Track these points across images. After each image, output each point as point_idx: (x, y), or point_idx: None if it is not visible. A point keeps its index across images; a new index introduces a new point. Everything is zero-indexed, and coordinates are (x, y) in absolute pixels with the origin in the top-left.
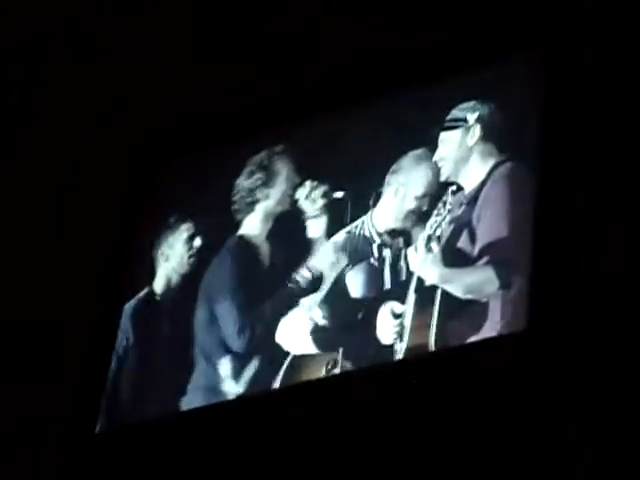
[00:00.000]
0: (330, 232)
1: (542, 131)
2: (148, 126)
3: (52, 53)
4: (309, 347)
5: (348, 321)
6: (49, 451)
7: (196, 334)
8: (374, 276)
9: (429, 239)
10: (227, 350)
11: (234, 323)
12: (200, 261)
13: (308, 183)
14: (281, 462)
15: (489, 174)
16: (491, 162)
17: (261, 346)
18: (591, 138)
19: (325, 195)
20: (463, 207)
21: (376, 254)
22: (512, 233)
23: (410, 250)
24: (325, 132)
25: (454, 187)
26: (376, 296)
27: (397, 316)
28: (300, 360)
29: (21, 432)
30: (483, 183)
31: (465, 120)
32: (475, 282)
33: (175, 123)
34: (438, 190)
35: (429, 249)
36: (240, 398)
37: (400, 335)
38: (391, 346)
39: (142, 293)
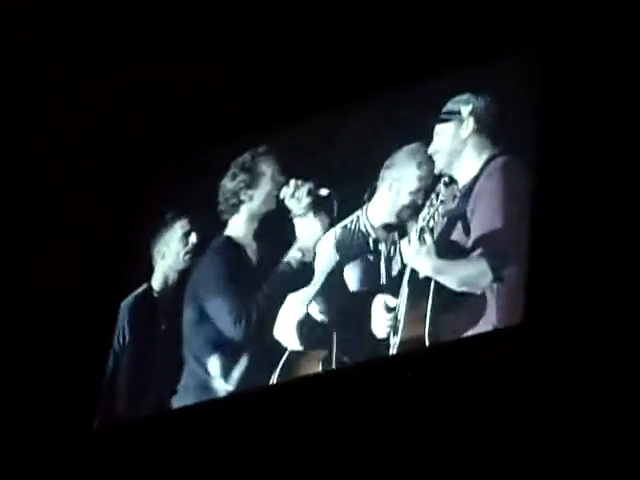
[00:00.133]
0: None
1: (538, 126)
2: (148, 125)
3: (52, 53)
4: (305, 342)
5: (344, 316)
6: (46, 447)
7: (185, 334)
8: (370, 271)
9: (422, 231)
10: (216, 348)
11: (229, 314)
12: (196, 258)
13: (292, 182)
14: (276, 458)
15: (483, 167)
16: (485, 155)
17: (257, 336)
18: (586, 133)
19: (310, 193)
20: (457, 200)
21: (371, 249)
22: (506, 226)
23: (403, 242)
24: (314, 130)
25: (446, 179)
26: (371, 290)
27: (390, 310)
28: (297, 355)
29: (19, 428)
30: (477, 176)
31: (459, 113)
32: (469, 274)
33: (175, 123)
34: (432, 184)
35: (422, 240)
36: (236, 395)
37: (394, 329)
38: (386, 340)
39: (140, 290)
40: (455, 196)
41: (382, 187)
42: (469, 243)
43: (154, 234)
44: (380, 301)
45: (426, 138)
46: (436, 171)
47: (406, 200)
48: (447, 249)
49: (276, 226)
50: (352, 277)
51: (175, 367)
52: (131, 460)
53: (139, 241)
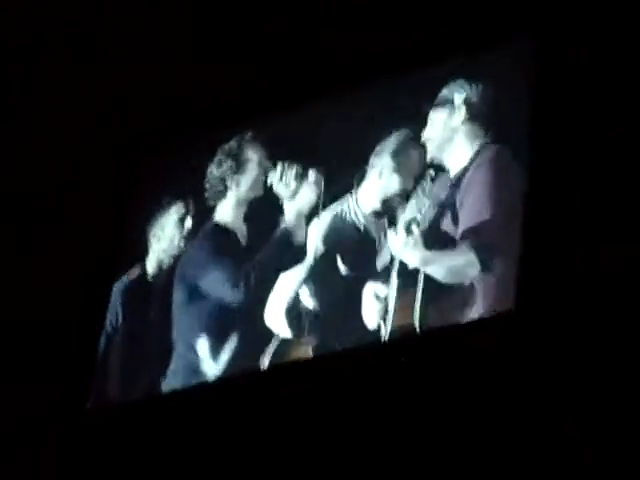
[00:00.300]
0: (308, 212)
1: (532, 114)
2: (147, 125)
3: (52, 53)
4: (296, 330)
5: (334, 303)
6: (41, 427)
7: (174, 317)
8: (359, 258)
9: (409, 223)
10: (205, 329)
11: (227, 281)
12: (188, 243)
13: (279, 166)
14: (266, 442)
15: (474, 157)
16: (477, 144)
17: (256, 298)
18: (580, 123)
19: (298, 176)
20: (448, 189)
21: (361, 236)
22: (495, 217)
23: (391, 234)
24: (302, 117)
25: (432, 172)
26: (361, 277)
27: (380, 299)
28: (287, 343)
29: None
30: (468, 166)
31: (452, 100)
32: (457, 265)
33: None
34: (423, 171)
35: (409, 232)
36: (226, 379)
37: (384, 318)
38: (376, 329)
39: (134, 273)
40: (447, 185)
41: (372, 174)
42: (458, 234)
43: (150, 218)
44: (370, 289)
45: (419, 125)
46: (428, 158)
47: (396, 187)
48: (436, 239)
49: (265, 210)
50: (342, 264)
51: (166, 351)
52: (122, 441)
53: (135, 225)
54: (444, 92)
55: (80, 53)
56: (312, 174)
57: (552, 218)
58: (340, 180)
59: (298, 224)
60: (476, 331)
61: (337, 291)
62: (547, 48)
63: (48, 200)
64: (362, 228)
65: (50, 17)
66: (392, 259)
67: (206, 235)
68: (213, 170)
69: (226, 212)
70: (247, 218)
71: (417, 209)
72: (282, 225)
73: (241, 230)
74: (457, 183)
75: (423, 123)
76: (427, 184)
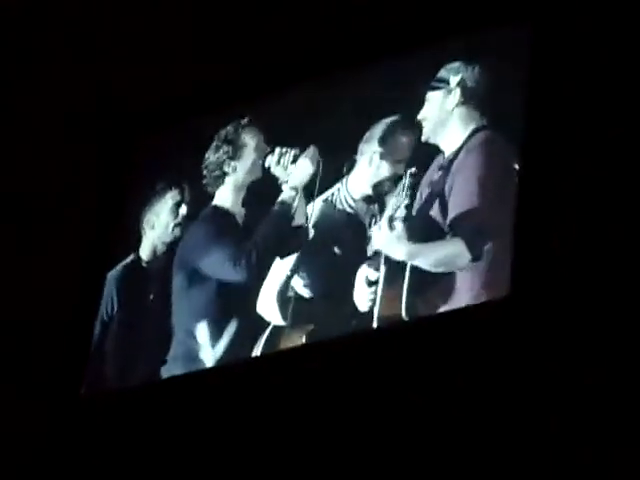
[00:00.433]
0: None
1: (527, 100)
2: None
3: (52, 53)
4: (287, 317)
5: (326, 288)
6: (34, 413)
7: (173, 302)
8: (350, 242)
9: (391, 219)
10: (204, 315)
11: (228, 260)
12: (185, 230)
13: (277, 150)
14: (259, 428)
15: (466, 141)
16: (470, 127)
17: (258, 274)
18: (576, 108)
19: (295, 160)
20: (440, 172)
21: (352, 220)
22: (485, 203)
23: (374, 229)
24: (300, 101)
25: (413, 170)
26: (353, 262)
27: (372, 283)
28: (280, 330)
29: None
30: (459, 150)
31: (447, 82)
32: (446, 255)
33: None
34: (413, 155)
35: (392, 227)
36: (223, 366)
37: (374, 303)
38: (368, 313)
39: (128, 260)
40: (440, 167)
41: (362, 160)
42: (447, 221)
43: (144, 204)
44: (363, 273)
45: (416, 107)
46: (423, 138)
47: (387, 172)
48: (425, 226)
49: (264, 193)
50: (333, 249)
51: (164, 337)
52: (116, 428)
53: (129, 213)
54: (442, 73)
55: (80, 53)
56: (310, 150)
57: (546, 201)
58: (336, 164)
59: (297, 200)
60: (471, 316)
61: (328, 276)
62: (544, 36)
63: (48, 200)
64: (352, 213)
65: (50, 17)
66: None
67: (205, 218)
68: (210, 156)
69: (225, 197)
70: (246, 202)
71: (397, 207)
72: (279, 199)
73: (240, 214)
74: (448, 167)
75: (421, 104)
76: (406, 182)
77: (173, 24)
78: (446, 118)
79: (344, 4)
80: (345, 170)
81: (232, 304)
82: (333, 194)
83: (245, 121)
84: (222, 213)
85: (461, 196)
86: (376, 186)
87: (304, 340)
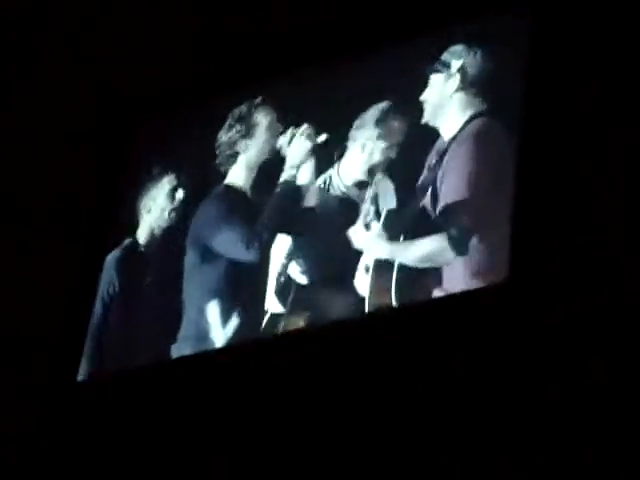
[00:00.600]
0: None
1: (526, 85)
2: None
3: (52, 53)
4: (288, 304)
5: (323, 274)
6: (30, 399)
7: (185, 282)
8: (345, 229)
9: (367, 220)
10: (215, 293)
11: (240, 240)
12: (181, 215)
13: (290, 130)
14: (259, 411)
15: (462, 128)
16: (469, 113)
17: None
18: (575, 95)
19: (308, 140)
20: (436, 158)
21: (345, 206)
22: (474, 195)
23: (351, 230)
24: (313, 82)
25: (379, 176)
26: (348, 248)
27: (367, 270)
28: (278, 317)
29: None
30: (454, 138)
31: (449, 66)
32: (430, 252)
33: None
34: (405, 139)
35: (368, 228)
36: (219, 349)
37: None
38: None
39: (125, 243)
40: (439, 151)
41: (354, 147)
42: (436, 212)
43: (141, 188)
44: (363, 260)
45: (405, 94)
46: (423, 120)
47: (380, 157)
48: (416, 215)
49: (277, 173)
50: (329, 235)
51: (167, 318)
52: (117, 412)
53: (124, 193)
54: (445, 55)
55: (80, 53)
56: (304, 127)
57: (544, 192)
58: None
59: (301, 179)
60: (468, 303)
61: (326, 262)
62: (543, 23)
63: (49, 200)
64: (346, 199)
65: (50, 17)
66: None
67: (218, 195)
68: (223, 135)
69: (237, 175)
70: (257, 181)
71: (367, 214)
72: (282, 179)
73: (251, 192)
74: (443, 154)
75: (424, 86)
76: (372, 189)
77: (176, 5)
78: (445, 103)
79: None
80: (336, 157)
81: (243, 284)
82: (325, 181)
83: (259, 100)
84: (234, 191)
85: (450, 187)
86: (370, 171)
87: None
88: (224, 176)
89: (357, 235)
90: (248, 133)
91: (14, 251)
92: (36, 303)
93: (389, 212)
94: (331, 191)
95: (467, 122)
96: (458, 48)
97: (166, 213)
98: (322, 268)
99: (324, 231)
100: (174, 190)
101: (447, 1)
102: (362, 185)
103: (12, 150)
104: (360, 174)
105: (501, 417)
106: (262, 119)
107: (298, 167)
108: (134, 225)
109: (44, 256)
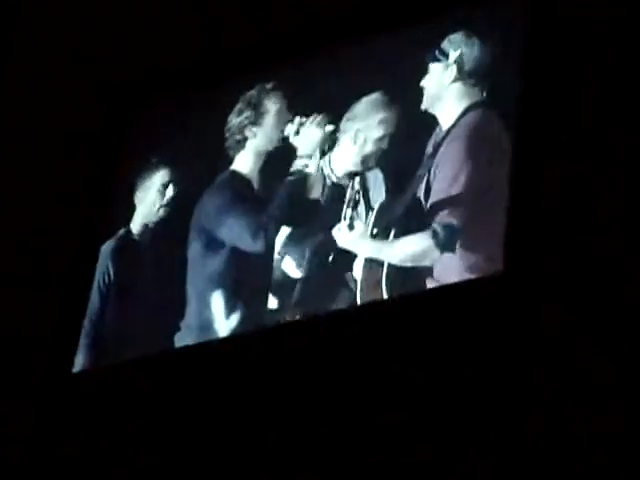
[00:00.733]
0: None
1: (523, 78)
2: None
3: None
4: (280, 299)
5: (317, 267)
6: (25, 391)
7: (189, 271)
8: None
9: (351, 219)
10: (220, 284)
11: (246, 230)
12: (171, 211)
13: (297, 119)
14: (261, 401)
15: (458, 119)
16: (465, 104)
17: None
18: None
19: (319, 129)
20: (432, 149)
21: (338, 198)
22: (466, 191)
23: (335, 230)
24: (321, 68)
25: (357, 178)
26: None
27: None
28: (273, 313)
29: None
30: (449, 129)
31: (447, 55)
32: (414, 252)
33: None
34: (396, 130)
35: (352, 228)
36: (221, 339)
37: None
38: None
39: (120, 232)
40: (434, 142)
41: (345, 138)
42: (427, 205)
43: (138, 176)
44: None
45: (397, 84)
46: (422, 107)
47: (372, 148)
48: (410, 205)
49: (283, 162)
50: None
51: (168, 308)
52: (115, 402)
53: (121, 181)
54: (444, 44)
55: (80, 53)
56: (330, 127)
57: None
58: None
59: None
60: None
61: (320, 255)
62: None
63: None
64: (339, 191)
65: (50, 17)
66: (368, 212)
67: (223, 182)
68: (233, 119)
69: (244, 162)
70: (263, 169)
71: (348, 216)
72: (292, 168)
73: (257, 180)
74: (439, 145)
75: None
76: (355, 188)
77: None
78: (443, 92)
79: None
80: (327, 148)
81: (249, 274)
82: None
83: (270, 86)
84: (239, 178)
85: (441, 182)
86: (363, 161)
87: None
88: (231, 162)
89: (341, 235)
90: (257, 120)
91: (9, 241)
92: (31, 294)
93: (381, 205)
94: (323, 184)
95: (463, 113)
96: (457, 37)
97: (155, 208)
98: (317, 260)
99: (321, 223)
100: (165, 186)
101: None
102: (353, 175)
103: (10, 147)
104: (351, 166)
105: (495, 410)
106: (272, 106)
107: (310, 156)
108: (129, 215)
109: (39, 246)
